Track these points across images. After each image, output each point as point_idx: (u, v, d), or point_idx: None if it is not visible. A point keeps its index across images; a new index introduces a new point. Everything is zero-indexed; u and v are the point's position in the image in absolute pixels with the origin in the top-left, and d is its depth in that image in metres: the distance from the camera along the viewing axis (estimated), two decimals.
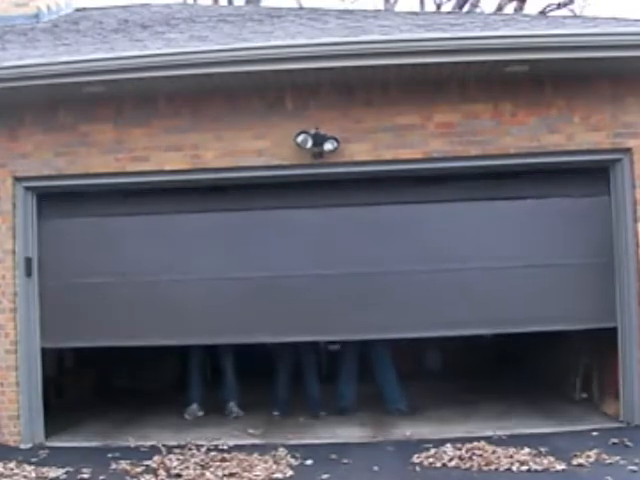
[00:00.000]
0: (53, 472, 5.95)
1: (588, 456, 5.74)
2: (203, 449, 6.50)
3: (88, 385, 9.76)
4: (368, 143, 6.75)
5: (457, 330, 7.03)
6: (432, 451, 6.10)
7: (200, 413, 8.13)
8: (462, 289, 6.91)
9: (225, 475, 5.72)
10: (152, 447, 6.65)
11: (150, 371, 10.06)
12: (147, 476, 5.78)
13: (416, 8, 18.10)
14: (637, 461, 5.55)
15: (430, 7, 19.04)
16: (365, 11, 8.58)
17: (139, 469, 5.96)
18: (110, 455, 6.43)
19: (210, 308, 7.10)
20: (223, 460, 6.11)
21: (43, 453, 6.58)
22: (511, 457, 5.79)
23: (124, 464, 6.06)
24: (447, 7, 18.87)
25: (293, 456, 6.18)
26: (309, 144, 6.61)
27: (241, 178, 6.89)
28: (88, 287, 7.10)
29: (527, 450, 5.93)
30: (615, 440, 6.14)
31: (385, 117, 6.74)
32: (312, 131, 6.61)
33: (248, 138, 6.82)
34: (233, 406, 8.16)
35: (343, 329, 7.08)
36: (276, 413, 7.92)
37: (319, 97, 6.79)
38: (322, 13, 8.24)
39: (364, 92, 6.76)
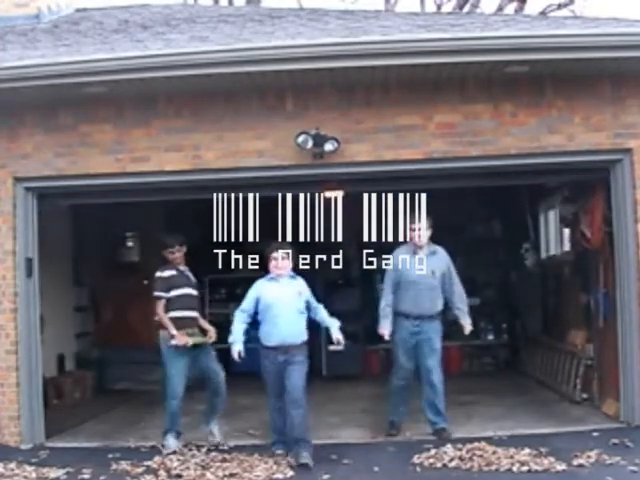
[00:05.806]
0: (54, 472, 5.96)
1: (588, 456, 5.75)
2: (203, 450, 6.51)
3: (89, 386, 9.75)
4: (368, 143, 6.75)
5: None
6: (432, 452, 6.10)
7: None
8: None
9: (226, 476, 5.72)
10: (152, 448, 6.66)
11: (150, 373, 10.05)
12: (148, 477, 5.79)
13: (416, 9, 18.04)
14: (637, 462, 5.55)
15: (430, 8, 19.00)
16: (365, 11, 8.56)
17: (140, 469, 5.96)
18: (111, 456, 6.43)
19: None
20: (224, 461, 6.11)
21: (43, 453, 6.58)
22: (511, 457, 5.78)
23: (125, 465, 6.07)
24: (447, 8, 18.84)
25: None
26: (309, 145, 6.60)
27: (242, 179, 6.89)
28: None
29: (527, 450, 5.92)
30: (615, 440, 6.13)
31: (385, 117, 6.74)
32: (312, 132, 6.61)
33: (249, 139, 6.83)
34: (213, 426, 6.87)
35: None
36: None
37: (319, 98, 6.79)
38: (322, 13, 8.24)
39: (364, 92, 6.76)
